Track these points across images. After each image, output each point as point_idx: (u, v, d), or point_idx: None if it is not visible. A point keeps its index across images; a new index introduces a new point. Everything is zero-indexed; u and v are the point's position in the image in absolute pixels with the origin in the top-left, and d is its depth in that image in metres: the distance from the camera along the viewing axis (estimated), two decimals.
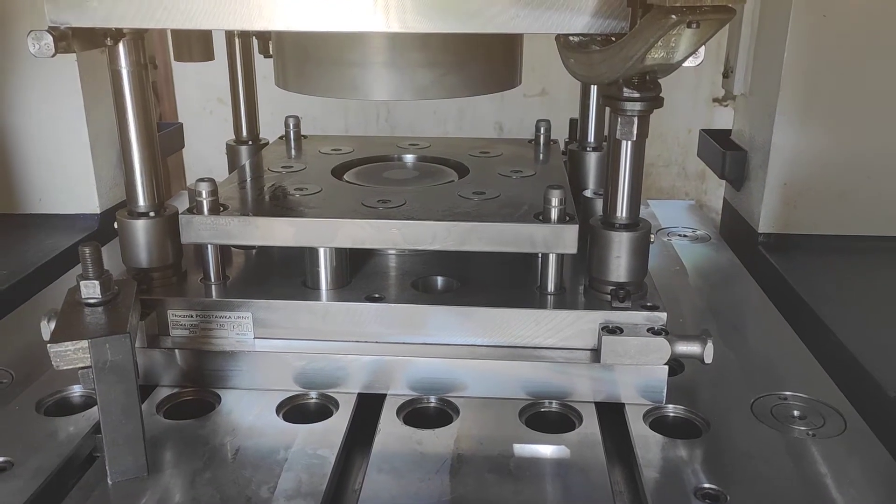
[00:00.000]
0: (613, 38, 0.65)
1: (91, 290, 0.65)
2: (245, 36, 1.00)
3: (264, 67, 0.96)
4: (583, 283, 0.81)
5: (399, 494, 0.63)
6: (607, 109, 0.79)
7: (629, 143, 0.72)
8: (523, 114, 1.10)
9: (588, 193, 1.00)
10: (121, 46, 0.73)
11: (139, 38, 0.74)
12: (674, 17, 0.55)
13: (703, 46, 0.63)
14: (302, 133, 1.12)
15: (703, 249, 1.18)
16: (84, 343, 0.59)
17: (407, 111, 2.04)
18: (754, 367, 0.83)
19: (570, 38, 0.68)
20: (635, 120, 0.66)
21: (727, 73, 1.29)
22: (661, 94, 0.66)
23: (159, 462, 0.66)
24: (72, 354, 0.60)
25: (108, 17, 0.65)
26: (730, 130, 1.34)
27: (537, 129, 1.10)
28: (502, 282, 0.83)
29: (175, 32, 0.92)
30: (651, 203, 1.37)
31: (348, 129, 2.04)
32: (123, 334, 0.60)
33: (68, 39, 0.65)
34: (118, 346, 0.60)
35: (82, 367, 0.61)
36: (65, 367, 0.61)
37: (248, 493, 0.63)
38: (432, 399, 0.76)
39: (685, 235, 1.23)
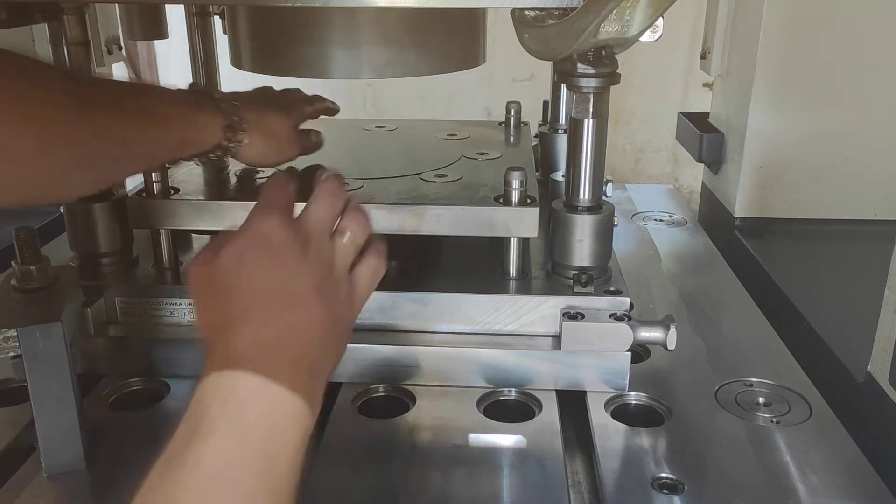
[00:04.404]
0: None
1: (25, 276, 0.62)
2: (203, 14, 0.96)
3: None
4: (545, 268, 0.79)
5: (347, 487, 0.61)
6: None
7: (589, 122, 0.70)
8: (513, 98, 1.08)
9: (557, 176, 0.98)
10: (62, 22, 0.71)
11: (80, 15, 0.71)
12: None
13: (662, 20, 0.61)
14: None
15: (678, 234, 1.16)
16: (13, 332, 0.57)
17: (394, 96, 2.01)
18: (722, 353, 0.81)
19: (526, 12, 0.65)
20: (591, 97, 0.64)
21: (704, 55, 1.27)
22: (617, 71, 0.63)
23: (101, 454, 0.64)
24: (1, 343, 0.57)
25: None
26: (708, 113, 1.32)
27: (507, 112, 1.07)
28: (466, 267, 0.81)
29: (122, 8, 0.88)
30: (628, 187, 1.35)
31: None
32: (55, 323, 0.58)
33: None
34: (49, 334, 0.57)
35: (14, 357, 0.58)
36: None
37: None
38: (389, 387, 0.74)
39: (661, 220, 1.21)
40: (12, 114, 0.49)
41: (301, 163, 0.81)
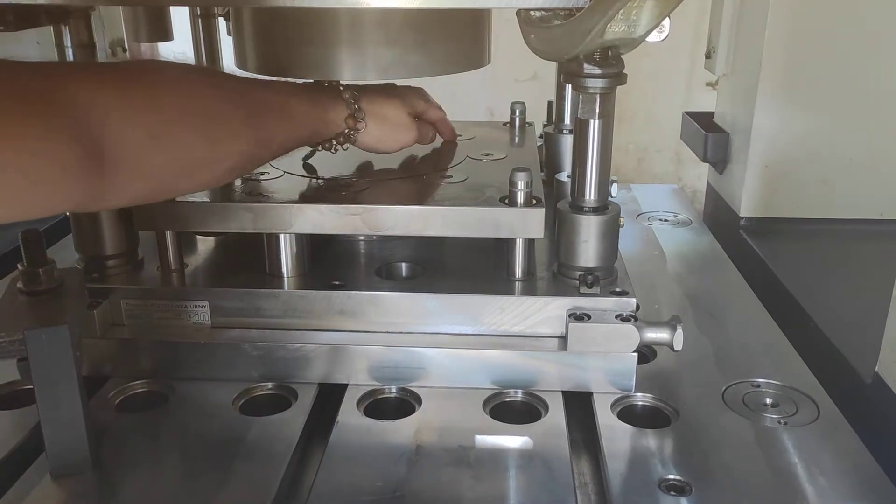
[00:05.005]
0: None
1: (31, 278, 0.62)
2: (207, 16, 0.96)
3: None
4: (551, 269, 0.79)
5: (352, 490, 0.61)
6: None
7: (595, 122, 0.70)
8: (515, 98, 1.08)
9: (562, 177, 0.98)
10: (68, 25, 0.71)
11: (86, 17, 0.71)
12: None
13: (669, 20, 0.61)
14: None
15: (683, 234, 1.16)
16: (19, 334, 0.57)
17: None
18: (729, 354, 0.81)
19: (532, 13, 0.65)
20: (597, 98, 0.64)
21: (709, 54, 1.26)
22: (624, 71, 0.63)
23: (107, 456, 0.64)
24: (7, 346, 0.57)
25: None
26: (713, 112, 1.31)
27: (512, 112, 1.07)
28: (471, 268, 0.81)
29: (127, 10, 0.88)
30: (633, 187, 1.35)
31: None
32: (62, 326, 0.58)
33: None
34: (56, 337, 0.57)
35: (20, 359, 0.58)
36: (2, 359, 0.58)
37: (198, 488, 0.61)
38: (394, 389, 0.74)
39: (666, 220, 1.20)
40: (199, 135, 0.62)
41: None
